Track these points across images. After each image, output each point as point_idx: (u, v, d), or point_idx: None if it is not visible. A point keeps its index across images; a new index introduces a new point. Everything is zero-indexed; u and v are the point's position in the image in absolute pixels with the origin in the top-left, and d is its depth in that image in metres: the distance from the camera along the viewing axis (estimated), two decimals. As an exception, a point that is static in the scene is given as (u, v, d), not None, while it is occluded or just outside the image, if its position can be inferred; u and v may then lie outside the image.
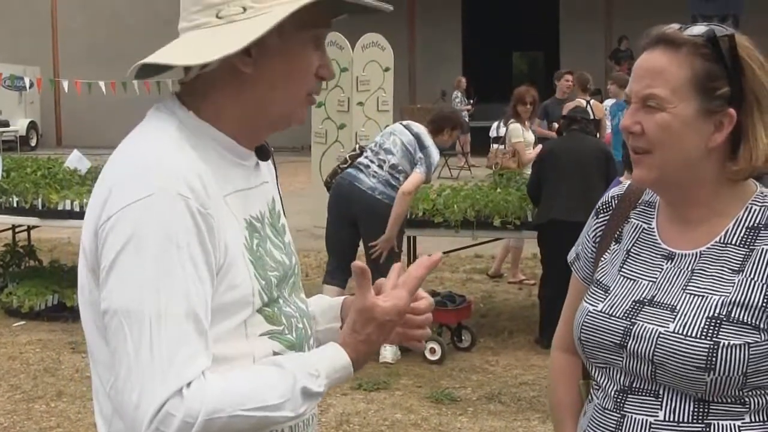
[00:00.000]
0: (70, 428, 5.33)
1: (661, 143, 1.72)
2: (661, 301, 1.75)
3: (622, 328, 1.76)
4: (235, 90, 1.60)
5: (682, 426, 1.71)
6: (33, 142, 27.19)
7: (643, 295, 1.78)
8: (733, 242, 1.74)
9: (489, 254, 9.83)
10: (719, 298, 1.70)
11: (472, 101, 22.28)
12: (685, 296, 1.73)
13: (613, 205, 1.93)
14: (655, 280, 1.79)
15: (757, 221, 1.75)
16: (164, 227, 1.46)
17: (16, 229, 9.21)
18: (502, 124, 10.45)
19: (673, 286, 1.76)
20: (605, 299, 1.82)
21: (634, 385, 1.76)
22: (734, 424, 1.70)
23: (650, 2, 19.32)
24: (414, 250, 7.42)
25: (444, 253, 7.42)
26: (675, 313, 1.72)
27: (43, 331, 7.37)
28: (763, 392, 1.70)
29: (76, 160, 9.05)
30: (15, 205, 7.78)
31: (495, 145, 10.23)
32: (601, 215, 1.94)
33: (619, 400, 1.78)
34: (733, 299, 1.69)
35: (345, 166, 6.70)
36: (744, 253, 1.73)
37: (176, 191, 1.47)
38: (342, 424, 5.35)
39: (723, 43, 1.70)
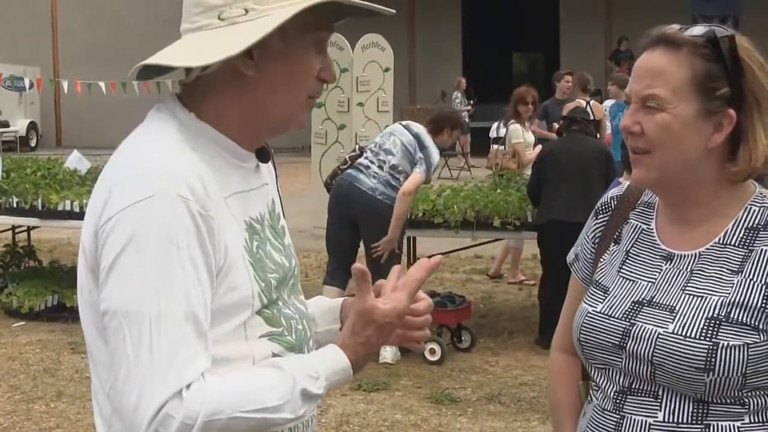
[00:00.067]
0: (70, 429, 5.33)
1: (661, 144, 1.72)
2: (660, 302, 1.75)
3: (621, 329, 1.76)
4: (236, 92, 1.60)
5: (682, 427, 1.71)
6: (33, 143, 27.19)
7: (642, 296, 1.78)
8: (733, 243, 1.75)
9: (489, 255, 9.83)
10: (718, 299, 1.70)
11: (472, 102, 22.28)
12: (685, 297, 1.73)
13: (613, 206, 1.93)
14: (654, 280, 1.79)
15: (757, 222, 1.75)
16: (164, 228, 1.46)
17: (16, 230, 9.21)
18: (502, 124, 10.45)
19: (672, 287, 1.76)
20: (604, 300, 1.82)
21: (633, 386, 1.76)
22: (734, 425, 1.70)
23: (650, 2, 19.32)
24: (414, 251, 7.42)
25: (444, 253, 7.45)
26: (674, 314, 1.72)
27: (42, 331, 7.37)
28: (762, 393, 1.70)
29: (76, 161, 9.05)
30: (15, 205, 7.79)
31: (495, 146, 10.23)
32: (601, 216, 1.94)
33: (618, 400, 1.78)
34: (733, 300, 1.69)
35: (345, 167, 6.70)
36: (743, 253, 1.73)
37: (177, 192, 1.47)
38: (342, 424, 5.35)
39: (723, 44, 1.71)
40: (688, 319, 1.70)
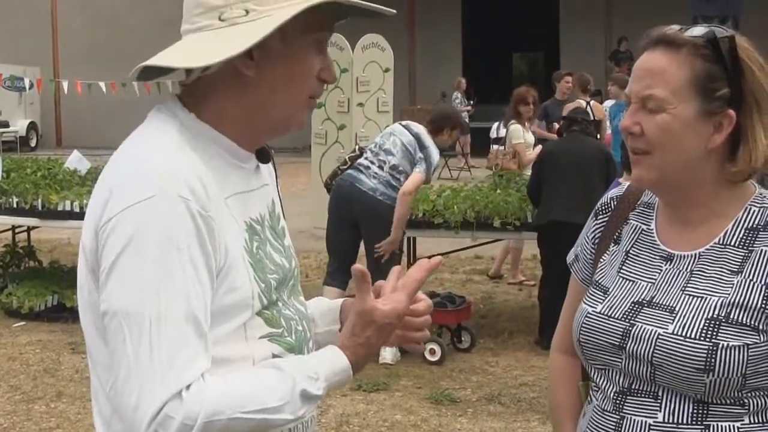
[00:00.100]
0: (70, 429, 5.33)
1: (661, 144, 1.72)
2: (660, 303, 1.75)
3: (621, 330, 1.76)
4: (236, 93, 1.60)
5: (682, 427, 1.71)
6: (33, 143, 27.20)
7: (642, 297, 1.78)
8: (732, 243, 1.75)
9: (489, 255, 9.83)
10: (718, 300, 1.70)
11: (472, 102, 22.28)
12: (684, 297, 1.73)
13: (612, 207, 1.93)
14: (654, 281, 1.79)
15: (756, 222, 1.75)
16: (165, 229, 1.46)
17: (16, 230, 9.21)
18: (502, 125, 10.45)
19: (672, 288, 1.76)
20: (604, 300, 1.82)
21: (633, 387, 1.76)
22: (733, 426, 1.70)
23: (650, 2, 19.33)
24: (414, 251, 7.42)
25: (444, 254, 7.45)
26: (674, 315, 1.72)
27: (42, 331, 7.37)
28: (762, 393, 1.70)
29: (76, 161, 9.05)
30: (15, 205, 7.78)
31: (495, 146, 10.23)
32: (600, 216, 1.94)
33: (618, 401, 1.78)
34: (732, 300, 1.69)
35: (345, 167, 6.70)
36: (743, 254, 1.73)
37: (177, 193, 1.47)
38: (342, 425, 5.35)
39: (723, 45, 1.71)
40: (687, 319, 1.70)
